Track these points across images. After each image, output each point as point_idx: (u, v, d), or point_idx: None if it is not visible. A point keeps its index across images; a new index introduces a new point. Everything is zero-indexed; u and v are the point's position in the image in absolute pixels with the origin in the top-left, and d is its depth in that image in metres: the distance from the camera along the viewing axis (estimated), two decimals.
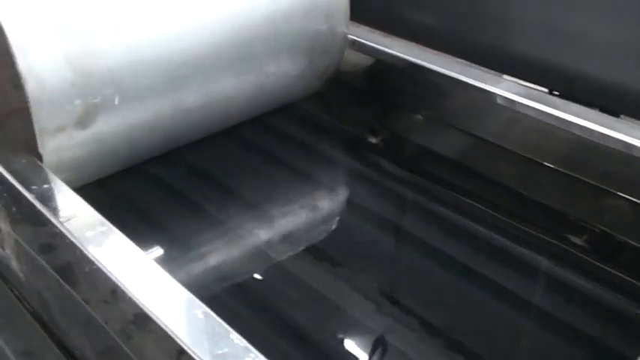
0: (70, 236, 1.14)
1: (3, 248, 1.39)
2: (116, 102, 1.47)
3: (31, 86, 1.33)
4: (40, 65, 1.34)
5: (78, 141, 1.45)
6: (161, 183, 1.70)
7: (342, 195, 1.78)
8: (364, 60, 2.02)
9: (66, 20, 1.37)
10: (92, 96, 1.43)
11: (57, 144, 1.40)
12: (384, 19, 2.08)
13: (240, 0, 1.65)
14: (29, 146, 1.37)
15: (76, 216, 1.19)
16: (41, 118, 1.36)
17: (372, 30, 2.02)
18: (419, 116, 1.95)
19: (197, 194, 1.67)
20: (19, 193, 1.25)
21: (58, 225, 1.16)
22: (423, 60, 1.89)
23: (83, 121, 1.44)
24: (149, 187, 1.68)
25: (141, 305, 1.00)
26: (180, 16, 1.55)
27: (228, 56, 1.64)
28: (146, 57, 1.49)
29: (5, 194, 1.29)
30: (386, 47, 1.96)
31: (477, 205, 1.65)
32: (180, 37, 1.55)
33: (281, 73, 1.79)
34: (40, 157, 1.38)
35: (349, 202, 1.74)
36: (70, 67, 1.38)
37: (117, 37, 1.44)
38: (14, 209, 1.27)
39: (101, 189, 1.56)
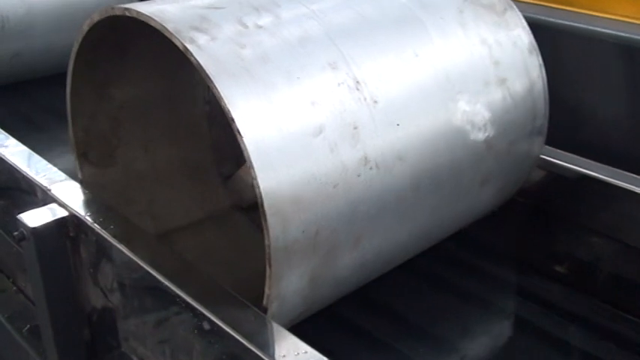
0: None
1: None
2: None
3: (274, 307, 1.32)
4: (286, 289, 1.32)
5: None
6: (341, 319, 1.67)
7: (526, 324, 1.74)
8: (542, 177, 1.92)
9: (319, 239, 1.33)
10: (318, 304, 1.46)
11: None
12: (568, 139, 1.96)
13: (456, 122, 1.56)
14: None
15: None
16: None
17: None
18: (606, 240, 1.83)
19: (368, 323, 1.69)
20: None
21: None
22: (612, 178, 1.78)
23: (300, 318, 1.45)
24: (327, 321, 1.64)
25: None
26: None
27: (440, 185, 1.58)
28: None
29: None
30: (572, 164, 1.85)
31: None
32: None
33: (474, 195, 1.71)
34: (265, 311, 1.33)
35: (536, 332, 1.71)
36: (309, 286, 1.37)
37: (355, 248, 1.42)
38: None
39: None
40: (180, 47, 1.25)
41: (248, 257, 1.83)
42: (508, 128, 1.66)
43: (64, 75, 1.58)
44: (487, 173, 1.66)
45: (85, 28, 1.47)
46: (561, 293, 1.79)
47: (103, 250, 1.42)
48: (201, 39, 1.27)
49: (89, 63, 1.57)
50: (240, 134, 1.20)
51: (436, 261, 1.82)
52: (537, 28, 1.78)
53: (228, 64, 1.25)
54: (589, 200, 1.83)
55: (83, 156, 1.70)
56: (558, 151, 1.90)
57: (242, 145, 1.20)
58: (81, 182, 1.63)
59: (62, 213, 1.46)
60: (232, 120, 1.20)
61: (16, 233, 1.42)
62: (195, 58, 1.23)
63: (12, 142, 1.79)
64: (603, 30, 2.16)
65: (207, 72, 1.22)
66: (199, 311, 1.24)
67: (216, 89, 1.21)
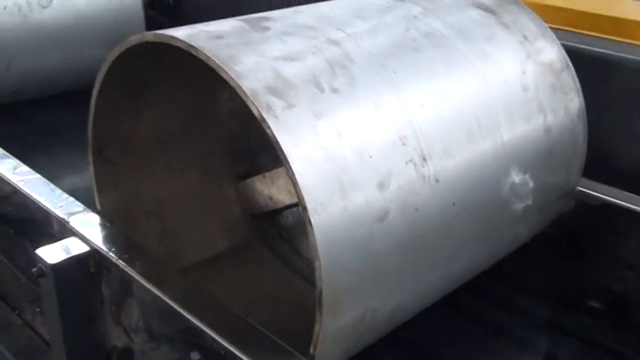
0: None
1: None
2: None
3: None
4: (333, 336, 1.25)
5: None
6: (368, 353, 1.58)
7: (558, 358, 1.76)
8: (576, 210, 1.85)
9: (363, 321, 1.29)
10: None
11: None
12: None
13: (503, 195, 1.52)
14: None
15: None
16: None
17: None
18: None
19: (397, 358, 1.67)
20: None
21: None
22: None
23: None
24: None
25: None
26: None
27: (476, 251, 1.55)
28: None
29: None
30: (607, 196, 1.80)
31: None
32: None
33: (503, 249, 1.68)
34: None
35: None
36: (343, 355, 1.34)
37: (390, 319, 1.40)
38: None
39: None
40: (256, 114, 1.15)
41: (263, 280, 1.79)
42: (544, 194, 1.63)
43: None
44: (516, 235, 1.65)
45: (134, 41, 1.34)
46: (595, 327, 1.77)
47: (129, 288, 1.34)
48: (278, 105, 1.17)
49: (123, 70, 1.44)
50: (311, 225, 1.13)
51: (466, 294, 1.73)
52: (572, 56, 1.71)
53: (304, 139, 1.16)
54: (624, 232, 1.78)
55: (98, 152, 1.58)
56: (593, 182, 1.83)
57: (310, 237, 1.14)
58: (99, 212, 1.53)
59: (83, 248, 1.36)
60: (305, 209, 1.13)
61: (34, 269, 1.32)
62: (272, 132, 1.13)
63: (24, 169, 1.64)
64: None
65: (285, 151, 1.13)
66: (240, 358, 1.18)
67: (292, 172, 1.13)
